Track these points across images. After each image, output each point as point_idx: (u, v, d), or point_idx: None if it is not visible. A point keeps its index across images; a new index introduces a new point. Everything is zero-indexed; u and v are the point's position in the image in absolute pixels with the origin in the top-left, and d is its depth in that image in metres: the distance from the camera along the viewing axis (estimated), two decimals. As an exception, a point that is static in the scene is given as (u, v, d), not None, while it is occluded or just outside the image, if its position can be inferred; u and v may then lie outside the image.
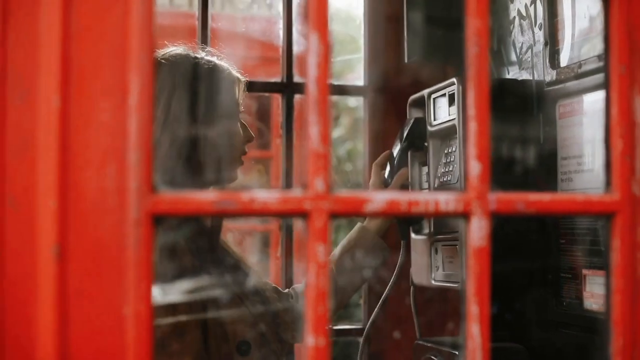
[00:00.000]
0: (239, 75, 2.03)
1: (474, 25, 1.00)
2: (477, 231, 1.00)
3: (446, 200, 0.99)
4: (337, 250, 2.26)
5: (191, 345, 1.87)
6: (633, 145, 1.09)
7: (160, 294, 1.84)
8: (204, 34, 2.56)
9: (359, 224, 2.30)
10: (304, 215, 0.93)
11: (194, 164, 1.91)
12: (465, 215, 1.00)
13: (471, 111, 1.00)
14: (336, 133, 6.75)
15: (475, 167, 1.00)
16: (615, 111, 1.08)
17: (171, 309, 1.84)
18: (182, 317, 1.85)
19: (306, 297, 0.93)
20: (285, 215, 0.94)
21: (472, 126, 1.00)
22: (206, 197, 0.92)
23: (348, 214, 0.96)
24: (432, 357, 2.17)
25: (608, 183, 1.09)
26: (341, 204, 0.95)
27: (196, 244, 1.89)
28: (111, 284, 0.91)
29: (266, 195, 0.93)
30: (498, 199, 1.01)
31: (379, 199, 0.96)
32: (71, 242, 0.91)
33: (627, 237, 1.07)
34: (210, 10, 2.59)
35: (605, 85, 1.10)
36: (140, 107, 0.91)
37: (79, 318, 0.91)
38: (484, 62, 1.01)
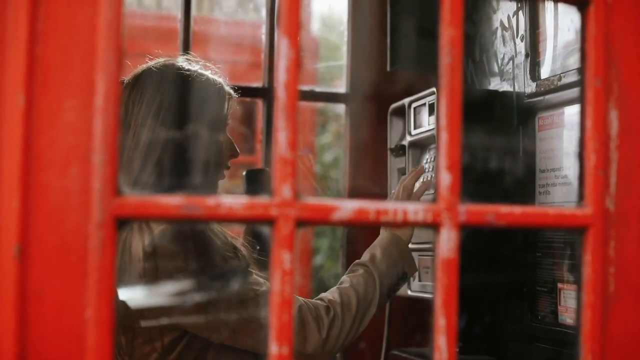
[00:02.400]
0: (230, 90, 2.03)
1: (448, 34, 1.00)
2: (446, 242, 0.99)
3: (415, 210, 0.98)
4: (370, 256, 2.04)
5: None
6: (607, 159, 1.08)
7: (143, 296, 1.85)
8: (186, 37, 2.56)
9: (388, 231, 2.06)
10: (271, 222, 0.92)
11: (175, 172, 1.91)
12: (435, 226, 0.99)
13: (443, 121, 0.99)
14: (323, 140, 6.74)
15: (445, 178, 0.99)
16: (590, 124, 1.08)
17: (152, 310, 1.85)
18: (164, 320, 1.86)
19: (271, 305, 0.92)
20: (252, 222, 0.93)
21: (443, 137, 0.99)
22: (171, 201, 0.90)
23: (315, 221, 0.95)
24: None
25: (581, 197, 1.08)
26: (308, 211, 0.93)
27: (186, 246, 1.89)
28: (73, 286, 0.90)
29: (232, 201, 0.91)
30: (468, 210, 1.00)
31: (347, 207, 0.95)
32: (33, 243, 0.89)
33: (599, 251, 1.06)
34: (193, 14, 2.58)
35: (581, 98, 1.09)
36: (106, 108, 0.89)
37: (39, 320, 0.89)
38: (457, 71, 1.00)
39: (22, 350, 0.88)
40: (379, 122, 2.63)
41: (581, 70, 1.09)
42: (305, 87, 3.14)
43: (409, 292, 2.27)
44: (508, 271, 2.06)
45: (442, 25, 1.00)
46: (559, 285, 1.91)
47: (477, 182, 1.97)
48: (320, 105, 5.21)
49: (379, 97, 2.73)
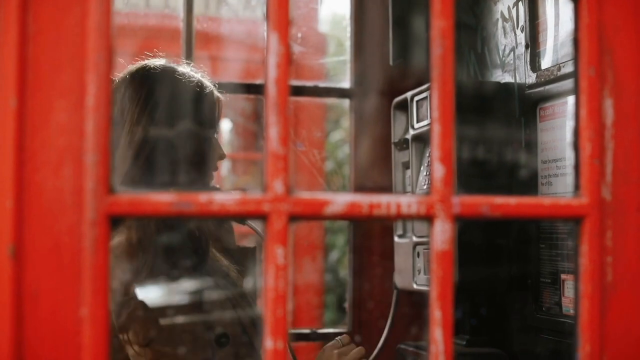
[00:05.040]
0: (219, 94, 2.05)
1: (438, 25, 0.99)
2: (441, 235, 0.99)
3: (408, 203, 0.98)
4: None
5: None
6: (602, 148, 1.08)
7: (159, 294, 1.85)
8: (189, 36, 2.56)
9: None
10: (263, 217, 0.92)
11: (168, 170, 1.93)
12: (429, 219, 0.99)
13: (435, 113, 0.99)
14: (337, 136, 6.72)
15: (438, 170, 0.99)
16: (584, 114, 1.07)
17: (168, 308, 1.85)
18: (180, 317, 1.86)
19: (265, 300, 0.92)
20: (245, 217, 0.93)
21: (436, 128, 0.99)
22: (163, 198, 0.91)
23: (308, 216, 0.95)
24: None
25: (577, 187, 1.08)
26: (301, 206, 0.94)
27: (191, 247, 1.90)
28: (68, 285, 0.90)
29: (224, 197, 0.92)
30: (462, 202, 1.00)
31: (339, 201, 0.95)
32: (27, 243, 0.90)
33: (595, 241, 1.06)
34: (195, 12, 2.59)
35: (575, 87, 1.09)
36: (97, 108, 0.90)
37: (35, 318, 0.90)
38: (449, 63, 1.00)
39: (18, 348, 0.89)
40: (383, 116, 2.63)
41: (575, 60, 1.08)
42: (310, 83, 3.14)
43: (415, 286, 2.27)
44: (512, 263, 2.06)
45: (432, 16, 1.00)
46: (563, 276, 1.90)
47: (479, 174, 1.96)
48: (333, 101, 5.19)
49: (383, 91, 2.73)
